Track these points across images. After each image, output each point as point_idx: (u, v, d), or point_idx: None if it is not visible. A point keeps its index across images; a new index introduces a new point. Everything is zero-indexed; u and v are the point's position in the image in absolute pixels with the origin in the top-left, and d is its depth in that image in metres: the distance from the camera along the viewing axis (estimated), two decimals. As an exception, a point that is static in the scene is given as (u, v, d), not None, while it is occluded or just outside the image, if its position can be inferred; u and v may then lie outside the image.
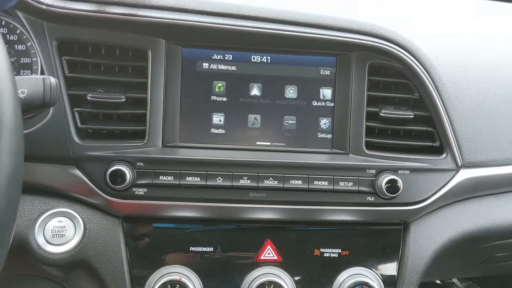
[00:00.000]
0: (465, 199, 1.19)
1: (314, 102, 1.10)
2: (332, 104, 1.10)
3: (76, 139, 1.01)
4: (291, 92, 1.09)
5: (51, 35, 1.00)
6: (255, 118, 1.09)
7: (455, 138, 1.12)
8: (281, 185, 1.05)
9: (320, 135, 1.10)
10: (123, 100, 1.02)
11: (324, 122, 1.10)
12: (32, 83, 0.73)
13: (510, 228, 1.21)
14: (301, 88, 1.10)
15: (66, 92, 1.01)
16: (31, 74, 1.02)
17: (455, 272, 1.58)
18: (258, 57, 1.09)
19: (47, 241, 1.03)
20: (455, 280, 1.91)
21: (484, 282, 1.92)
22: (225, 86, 1.08)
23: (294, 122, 1.09)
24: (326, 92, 1.10)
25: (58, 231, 1.04)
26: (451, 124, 1.11)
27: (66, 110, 1.01)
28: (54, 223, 1.04)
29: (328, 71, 1.10)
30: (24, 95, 0.71)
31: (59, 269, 1.08)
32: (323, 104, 1.10)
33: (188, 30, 1.04)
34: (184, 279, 1.05)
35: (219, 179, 1.04)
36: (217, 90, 1.08)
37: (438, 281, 1.88)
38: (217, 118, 1.08)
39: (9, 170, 0.54)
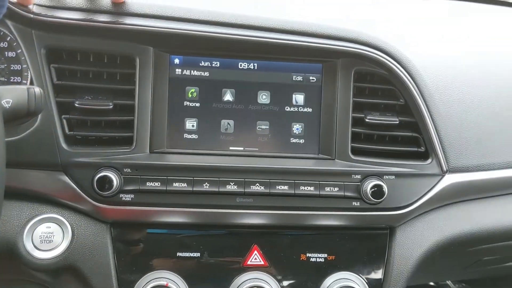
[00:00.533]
0: (451, 203, 1.20)
1: (286, 108, 1.11)
2: (305, 110, 1.11)
3: (64, 145, 1.02)
4: (264, 97, 1.10)
5: (39, 43, 1.02)
6: (228, 123, 1.10)
7: (440, 144, 1.13)
8: (268, 191, 1.06)
9: (293, 140, 1.11)
10: (111, 107, 1.04)
11: (297, 128, 1.11)
12: (17, 93, 0.75)
13: (495, 232, 1.23)
14: (273, 93, 1.11)
15: (54, 100, 1.03)
16: (21, 80, 1.04)
17: (442, 275, 1.59)
18: (245, 64, 1.10)
19: (35, 247, 1.04)
20: (448, 282, 1.92)
21: (478, 283, 1.93)
22: (198, 91, 1.09)
23: (267, 127, 1.11)
24: (299, 98, 1.11)
25: (47, 237, 1.05)
26: (436, 129, 1.13)
27: (54, 117, 1.02)
28: (42, 228, 1.05)
29: (301, 77, 1.11)
30: (9, 105, 0.72)
31: (48, 274, 1.09)
32: (296, 109, 1.11)
33: (176, 38, 1.05)
34: (170, 284, 1.06)
35: (206, 185, 1.05)
36: (190, 96, 1.09)
37: (432, 283, 1.90)
38: (190, 124, 1.09)
39: None
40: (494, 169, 1.20)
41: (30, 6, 1.00)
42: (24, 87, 0.76)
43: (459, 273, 1.52)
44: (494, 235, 1.23)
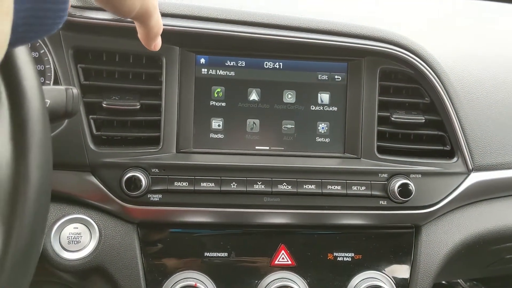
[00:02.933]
0: (476, 202, 1.20)
1: (312, 107, 1.11)
2: (330, 109, 1.11)
3: (92, 146, 1.02)
4: (289, 97, 1.10)
5: (67, 44, 1.01)
6: (253, 122, 1.10)
7: (466, 142, 1.13)
8: (295, 190, 1.06)
9: (319, 139, 1.11)
10: (138, 107, 1.03)
11: (322, 127, 1.11)
12: (55, 94, 0.74)
13: (520, 230, 1.23)
14: (299, 93, 1.11)
15: (82, 100, 1.02)
16: (44, 81, 1.03)
17: (463, 273, 1.59)
18: (270, 64, 1.10)
19: (63, 248, 1.04)
20: (459, 280, 1.92)
21: (488, 281, 1.93)
22: (223, 91, 1.09)
23: (293, 126, 1.10)
24: (324, 97, 1.11)
25: (74, 238, 1.04)
26: (461, 128, 1.12)
27: (82, 117, 1.02)
28: (70, 229, 1.05)
29: (326, 76, 1.11)
30: (47, 106, 0.72)
31: (75, 275, 1.09)
32: (321, 108, 1.11)
33: (202, 38, 1.05)
34: (199, 285, 1.06)
35: (234, 185, 1.05)
36: (215, 95, 1.09)
37: (443, 282, 1.90)
38: (216, 123, 1.09)
39: (38, 184, 0.55)
40: (518, 167, 1.20)
41: None
42: (62, 87, 0.75)
43: (480, 271, 1.52)
44: (518, 233, 1.23)
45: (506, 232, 1.21)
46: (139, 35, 0.89)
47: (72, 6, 1.01)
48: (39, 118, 0.56)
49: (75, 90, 0.77)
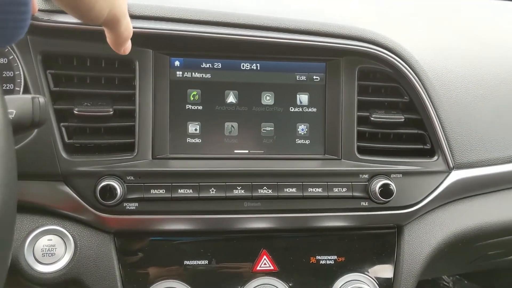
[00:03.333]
0: (457, 199, 1.19)
1: (291, 108, 1.09)
2: (309, 110, 1.09)
3: (63, 154, 0.98)
4: (267, 98, 1.08)
5: (35, 49, 0.97)
6: (232, 126, 1.07)
7: (446, 140, 1.12)
8: (276, 194, 1.04)
9: (298, 141, 1.09)
10: (111, 112, 1.00)
11: (302, 128, 1.09)
12: (21, 103, 0.70)
13: (502, 226, 1.23)
14: (277, 94, 1.08)
15: (52, 107, 0.98)
16: (14, 88, 0.99)
17: (447, 270, 1.60)
18: (247, 65, 1.07)
19: (37, 261, 1.00)
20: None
21: (470, 276, 1.94)
22: (200, 94, 1.06)
23: (272, 129, 1.08)
24: (303, 98, 1.09)
25: (48, 250, 1.01)
26: (441, 126, 1.11)
27: (53, 125, 0.98)
28: (43, 241, 1.01)
29: (304, 77, 1.09)
30: (12, 116, 0.68)
31: (51, 289, 1.05)
32: (300, 109, 1.09)
33: (176, 40, 1.02)
34: (180, 294, 1.03)
35: (212, 190, 1.02)
36: (192, 99, 1.06)
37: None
38: (193, 127, 1.06)
39: (2, 200, 0.52)
40: (498, 164, 1.20)
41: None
42: (28, 96, 0.72)
43: (462, 267, 1.52)
44: (500, 229, 1.22)
45: (488, 229, 1.21)
46: (108, 40, 0.86)
47: (40, 10, 0.97)
48: (2, 132, 0.53)
49: (42, 99, 0.74)
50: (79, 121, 1.00)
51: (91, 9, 0.71)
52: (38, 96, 0.73)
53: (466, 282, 1.96)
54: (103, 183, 0.97)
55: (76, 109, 0.98)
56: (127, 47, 0.89)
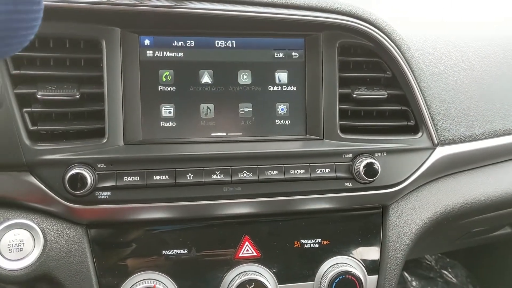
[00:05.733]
0: (442, 177, 1.17)
1: (269, 87, 1.04)
2: (289, 88, 1.04)
3: (27, 142, 0.91)
4: (244, 77, 1.03)
5: (-10, 29, 0.90)
6: (208, 107, 1.02)
7: (430, 116, 1.09)
8: (256, 177, 0.99)
9: (278, 122, 1.04)
10: (78, 96, 0.93)
11: (282, 108, 1.04)
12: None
13: (486, 203, 1.21)
14: (254, 73, 1.03)
15: (13, 92, 0.91)
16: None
17: (432, 249, 1.58)
18: (222, 42, 1.02)
19: (3, 257, 0.93)
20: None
21: (452, 254, 1.95)
22: (172, 75, 1.00)
23: (250, 109, 1.03)
24: (282, 76, 1.04)
25: (16, 245, 0.94)
26: (425, 101, 1.08)
27: (14, 111, 0.91)
28: (10, 236, 0.94)
29: (282, 54, 1.04)
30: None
31: (19, 286, 0.98)
32: (279, 88, 1.04)
33: (144, 16, 0.95)
34: (158, 286, 0.98)
35: (190, 176, 0.97)
36: (164, 79, 1.00)
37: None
38: (166, 110, 1.00)
39: None
40: (482, 138, 1.17)
41: None
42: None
43: (448, 246, 1.51)
44: (484, 206, 1.20)
45: (474, 206, 1.19)
46: None
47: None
48: None
49: None
50: (43, 106, 0.94)
51: None
52: None
53: (448, 260, 1.96)
54: (72, 172, 0.91)
55: (39, 93, 0.92)
56: None
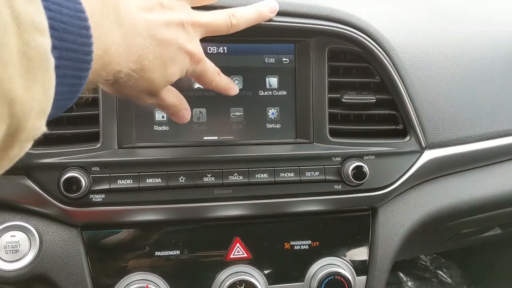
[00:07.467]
0: (430, 179, 1.19)
1: (260, 92, 1.06)
2: (279, 93, 1.07)
3: (23, 147, 0.94)
4: (236, 82, 1.04)
5: None
6: (200, 112, 1.04)
7: (418, 120, 1.11)
8: (247, 180, 1.01)
9: (269, 126, 1.06)
10: None
11: (272, 112, 1.07)
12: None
13: (474, 205, 1.22)
14: (246, 78, 1.05)
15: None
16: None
17: (422, 250, 1.60)
18: (214, 48, 1.04)
19: (0, 258, 0.96)
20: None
21: (447, 254, 1.97)
22: None
23: (242, 113, 1.05)
24: (272, 81, 1.06)
25: (12, 247, 0.97)
26: (413, 105, 1.10)
27: (11, 116, 0.93)
28: (6, 238, 0.97)
29: (273, 59, 1.06)
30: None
31: (15, 287, 1.01)
32: (270, 93, 1.06)
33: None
34: (151, 286, 1.00)
35: (182, 179, 0.99)
36: None
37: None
38: (160, 114, 1.03)
39: None
40: (470, 142, 1.19)
41: None
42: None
43: (437, 247, 1.53)
44: (472, 207, 1.23)
45: (462, 207, 1.21)
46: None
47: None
48: None
49: None
50: (39, 111, 0.96)
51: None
52: None
53: (443, 260, 1.98)
54: (67, 175, 0.93)
55: (35, 98, 0.94)
56: (183, 115, 0.92)
